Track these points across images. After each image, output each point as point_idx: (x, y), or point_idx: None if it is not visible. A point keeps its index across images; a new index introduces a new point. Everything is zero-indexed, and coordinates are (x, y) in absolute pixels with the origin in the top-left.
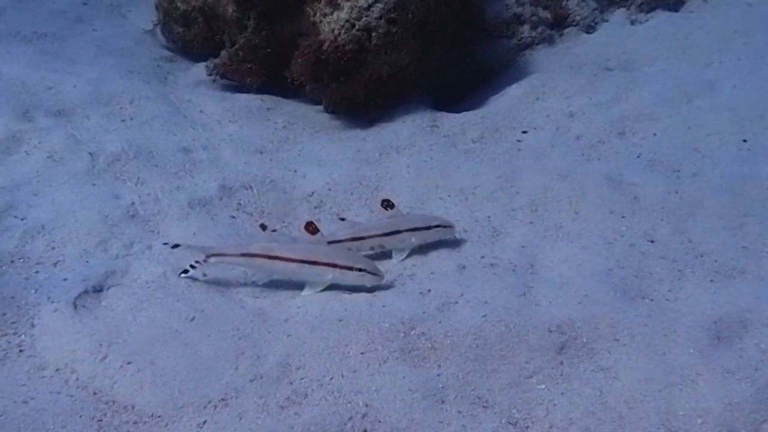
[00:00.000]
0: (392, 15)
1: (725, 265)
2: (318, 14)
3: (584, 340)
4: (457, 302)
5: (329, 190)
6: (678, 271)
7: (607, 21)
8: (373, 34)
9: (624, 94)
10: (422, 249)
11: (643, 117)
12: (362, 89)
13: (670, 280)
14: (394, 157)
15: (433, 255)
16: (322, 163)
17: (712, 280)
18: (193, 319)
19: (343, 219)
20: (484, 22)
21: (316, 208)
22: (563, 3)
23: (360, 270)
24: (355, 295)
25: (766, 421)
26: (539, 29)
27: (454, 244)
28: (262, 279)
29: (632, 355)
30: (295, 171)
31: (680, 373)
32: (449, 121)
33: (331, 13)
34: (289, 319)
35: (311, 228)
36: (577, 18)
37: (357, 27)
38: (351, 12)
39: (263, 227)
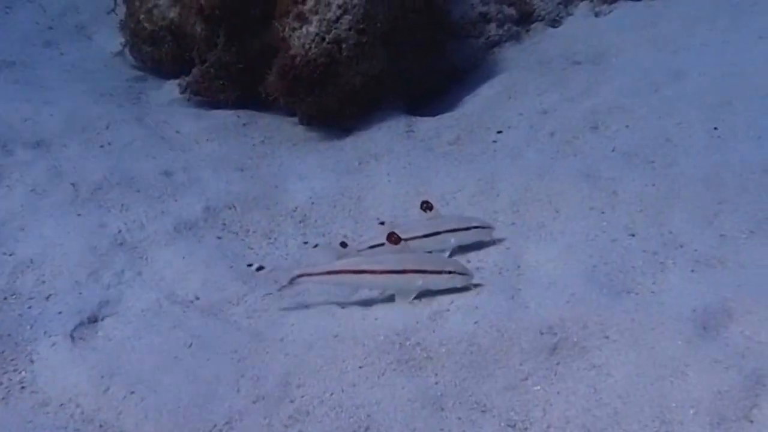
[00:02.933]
0: (361, 26)
1: (705, 255)
2: (287, 29)
3: (575, 339)
4: (448, 309)
5: (312, 203)
6: (660, 263)
7: (571, 14)
8: (344, 45)
9: (594, 88)
10: None
11: (615, 109)
12: (336, 100)
13: (653, 273)
14: (373, 164)
15: None
16: (302, 177)
17: (693, 270)
18: (191, 344)
19: (382, 223)
20: (451, 24)
21: (300, 222)
22: None
23: (450, 272)
24: (347, 309)
25: (755, 407)
26: (506, 26)
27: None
28: (350, 295)
29: (622, 351)
30: (276, 186)
31: (670, 365)
32: (424, 125)
33: (300, 28)
34: (284, 338)
35: (393, 238)
36: (542, 13)
37: (327, 40)
38: (320, 25)
39: (344, 245)
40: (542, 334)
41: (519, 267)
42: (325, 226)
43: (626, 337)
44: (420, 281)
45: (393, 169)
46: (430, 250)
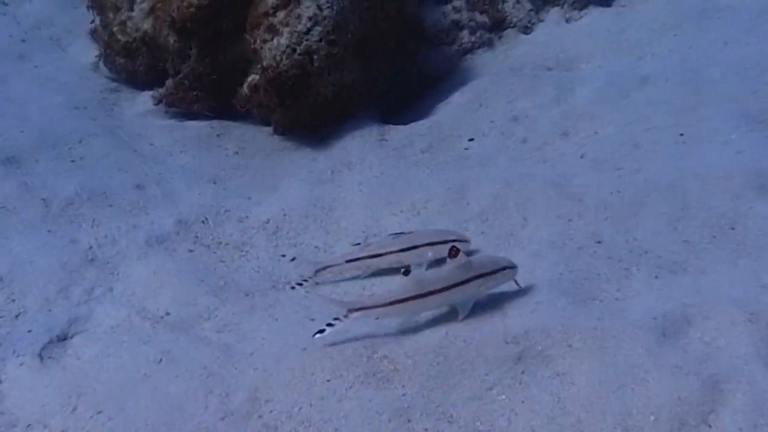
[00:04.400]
0: (332, 37)
1: (668, 261)
2: (258, 41)
3: (539, 348)
4: (416, 321)
5: (284, 215)
6: (624, 270)
7: (543, 21)
8: (315, 57)
9: (564, 94)
10: None
11: (584, 116)
12: (309, 111)
13: (617, 280)
14: (346, 174)
15: (390, 272)
16: (275, 188)
17: (656, 277)
18: (161, 360)
19: (357, 244)
20: (424, 32)
21: (273, 234)
22: (499, 6)
23: (504, 269)
24: (317, 322)
25: (713, 412)
26: (478, 34)
27: None
28: (414, 318)
29: (585, 359)
30: (249, 198)
31: (631, 372)
32: (397, 133)
33: (272, 39)
34: (254, 353)
35: (453, 252)
36: (514, 20)
37: (298, 51)
38: (291, 37)
39: (407, 272)
40: (507, 343)
41: None
42: (296, 238)
43: (589, 345)
44: (482, 286)
45: (365, 178)
46: (408, 264)
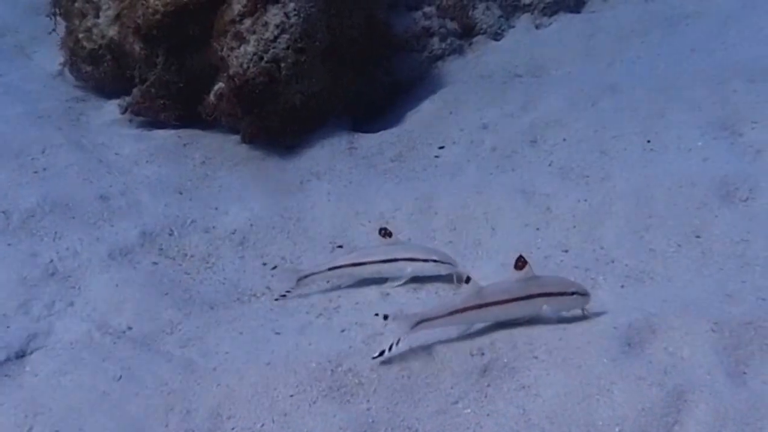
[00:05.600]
0: (299, 44)
1: (635, 269)
2: (225, 49)
3: (505, 360)
4: (382, 333)
5: (251, 225)
6: (591, 279)
7: (513, 27)
8: (282, 64)
9: (533, 101)
10: None
11: (553, 123)
12: (277, 119)
13: None
14: (315, 183)
15: (358, 284)
16: (242, 198)
17: (623, 286)
18: (120, 378)
19: (340, 246)
20: (393, 38)
21: (239, 245)
22: (469, 13)
23: (573, 293)
24: (282, 335)
25: (677, 423)
26: (449, 40)
27: None
28: (467, 329)
29: (550, 371)
30: (216, 208)
31: (596, 383)
32: (367, 141)
33: (238, 47)
34: (217, 368)
35: (521, 263)
36: (485, 26)
37: (265, 59)
38: (257, 45)
39: (467, 280)
40: (472, 355)
41: (456, 288)
42: (263, 249)
43: (554, 356)
44: (544, 305)
45: (334, 188)
46: (386, 277)
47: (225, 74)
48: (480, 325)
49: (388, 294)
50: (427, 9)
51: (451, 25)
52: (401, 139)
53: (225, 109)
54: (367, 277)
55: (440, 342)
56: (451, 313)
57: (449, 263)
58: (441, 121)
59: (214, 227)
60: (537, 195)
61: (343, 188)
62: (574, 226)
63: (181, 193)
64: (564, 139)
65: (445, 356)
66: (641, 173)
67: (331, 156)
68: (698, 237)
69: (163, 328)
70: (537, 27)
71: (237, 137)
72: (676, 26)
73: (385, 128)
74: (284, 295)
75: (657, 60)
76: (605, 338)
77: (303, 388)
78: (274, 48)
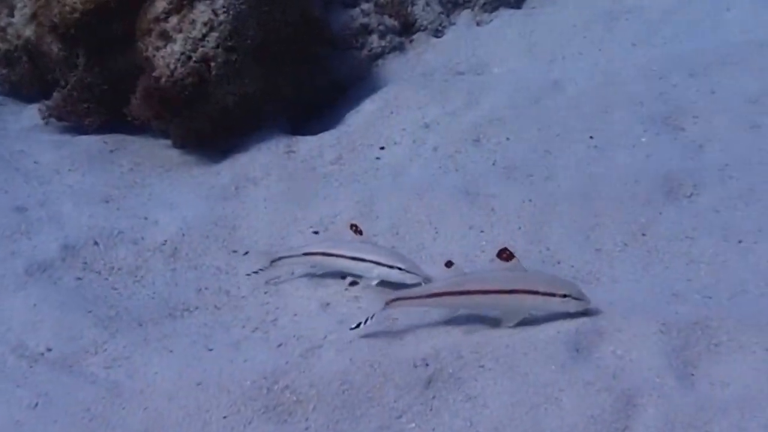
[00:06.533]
0: (230, 43)
1: (581, 271)
2: (150, 48)
3: (450, 370)
4: (321, 346)
5: (183, 235)
6: None
7: (454, 24)
8: (212, 64)
9: (476, 100)
10: (284, 287)
11: (496, 122)
12: (209, 122)
13: None
14: (251, 189)
15: (296, 294)
16: (174, 206)
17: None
18: (37, 405)
19: (316, 232)
20: (331, 36)
21: (171, 257)
22: (409, 9)
23: (564, 296)
24: (216, 352)
25: (627, 429)
26: (388, 38)
27: (317, 280)
28: (449, 315)
29: (497, 380)
30: (146, 218)
31: (544, 391)
32: (305, 144)
33: (164, 47)
34: (144, 390)
35: (505, 255)
36: (425, 23)
37: (194, 59)
38: (185, 44)
39: (449, 264)
40: (416, 366)
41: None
42: (197, 259)
43: (501, 364)
44: (529, 303)
45: (271, 193)
46: (354, 274)
47: (152, 75)
48: (422, 335)
49: (328, 304)
50: (365, 6)
51: (390, 22)
52: (341, 141)
53: (153, 112)
54: (337, 270)
55: (382, 353)
56: (429, 296)
57: (415, 273)
58: (382, 121)
59: (143, 238)
60: (481, 196)
61: (281, 194)
62: (520, 228)
63: (107, 202)
64: (507, 138)
65: (388, 368)
66: (586, 171)
67: (268, 160)
68: (644, 235)
69: (87, 349)
70: (478, 24)
71: (167, 142)
72: (617, 21)
73: (324, 130)
74: (256, 272)
75: (598, 55)
76: (553, 344)
77: (237, 409)
78: (202, 47)
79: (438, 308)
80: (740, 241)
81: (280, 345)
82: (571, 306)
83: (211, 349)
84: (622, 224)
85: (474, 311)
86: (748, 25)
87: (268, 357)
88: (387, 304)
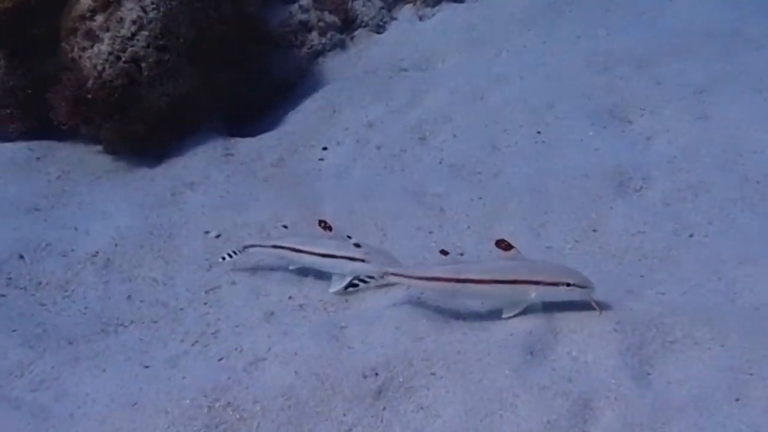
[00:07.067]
0: (161, 42)
1: None
2: (76, 49)
3: (401, 379)
4: (265, 359)
5: (116, 246)
6: None
7: (396, 19)
8: (143, 64)
9: (420, 96)
10: (225, 297)
11: (441, 119)
12: (142, 125)
13: None
14: (188, 195)
15: (238, 304)
16: (106, 215)
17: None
18: None
19: (285, 226)
20: (269, 34)
21: (103, 269)
22: (349, 5)
23: (568, 285)
24: (152, 369)
25: None
26: (329, 35)
27: (259, 288)
28: (447, 301)
29: (450, 388)
30: (76, 228)
31: (498, 398)
32: (245, 146)
33: (91, 47)
34: (74, 413)
35: (504, 244)
36: (366, 19)
37: (123, 59)
38: (113, 43)
39: (444, 253)
40: (365, 377)
41: (345, 300)
42: (131, 271)
43: (453, 372)
44: (533, 293)
45: (209, 199)
46: (326, 271)
47: (78, 78)
48: (371, 342)
49: (272, 313)
50: (303, 2)
51: (330, 18)
52: (282, 143)
53: (81, 117)
54: (308, 266)
55: (330, 364)
56: (428, 278)
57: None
58: (324, 120)
59: (73, 250)
60: (428, 195)
61: (220, 199)
62: (469, 227)
63: (33, 213)
64: (454, 135)
65: (336, 380)
66: (534, 167)
67: (206, 164)
68: (595, 231)
69: (11, 371)
70: (420, 18)
71: (98, 147)
72: (560, 13)
73: (264, 131)
74: (229, 256)
75: (543, 48)
76: (506, 347)
77: (176, 430)
78: (132, 46)
79: (433, 293)
80: (691, 235)
81: (221, 359)
82: (576, 294)
83: (147, 367)
84: (572, 220)
85: (472, 300)
86: (691, 15)
87: (209, 372)
88: (385, 274)
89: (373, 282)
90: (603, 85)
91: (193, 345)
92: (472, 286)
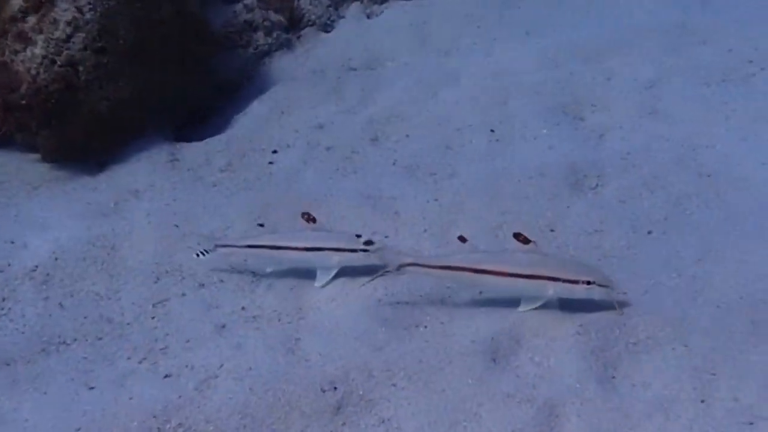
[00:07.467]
0: (99, 44)
1: None
2: (7, 52)
3: (361, 392)
4: (217, 375)
5: (57, 259)
6: (446, 288)
7: (343, 17)
8: (81, 68)
9: (371, 96)
10: (174, 310)
11: (393, 118)
12: (81, 132)
13: (441, 300)
14: (133, 203)
15: (188, 317)
16: (45, 227)
17: (481, 292)
18: None
19: (261, 225)
20: (213, 34)
21: (43, 284)
22: (295, 3)
23: (588, 283)
24: (97, 390)
25: None
26: (275, 34)
27: (210, 299)
28: (465, 290)
29: (412, 399)
30: (12, 242)
31: (462, 407)
32: (191, 151)
33: (24, 50)
34: None
35: (522, 238)
36: (313, 17)
37: (59, 63)
38: (47, 46)
39: (463, 239)
40: (324, 391)
41: (300, 309)
42: (73, 285)
43: (415, 382)
44: (551, 290)
45: (155, 207)
46: (310, 267)
47: (11, 82)
48: (329, 354)
49: (224, 326)
50: (247, 1)
51: (276, 17)
52: (230, 147)
53: (16, 124)
54: (289, 265)
55: (286, 378)
56: (445, 267)
57: (381, 253)
58: (273, 123)
59: (9, 265)
60: (383, 199)
61: (166, 207)
62: (425, 230)
63: None
64: (407, 135)
65: (293, 395)
66: (489, 167)
67: (151, 170)
68: (552, 231)
69: None
70: (368, 16)
71: (36, 156)
72: (509, 9)
73: (211, 135)
74: (202, 254)
75: (493, 45)
76: (468, 355)
77: None
78: (68, 49)
79: (450, 282)
80: (650, 232)
81: (171, 377)
82: (597, 293)
83: (92, 388)
84: (530, 220)
85: (488, 292)
86: (637, 10)
87: (158, 392)
88: (401, 266)
89: (387, 272)
90: (554, 82)
91: (140, 362)
92: (490, 277)
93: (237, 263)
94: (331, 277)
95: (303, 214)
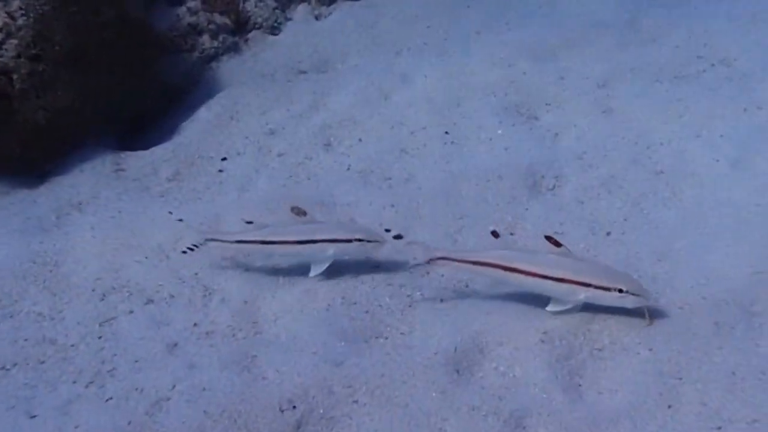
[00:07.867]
0: (33, 51)
1: (452, 279)
2: None
3: (321, 410)
4: (169, 398)
5: None
6: (407, 296)
7: (291, 19)
8: (15, 76)
9: (322, 100)
10: (122, 328)
11: (346, 122)
12: (17, 142)
13: (401, 310)
14: (76, 217)
15: (137, 335)
16: None
17: (442, 301)
18: None
19: (250, 222)
20: (157, 38)
21: None
22: (240, 6)
23: (621, 291)
24: (40, 419)
25: None
26: (221, 38)
27: (160, 315)
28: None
29: (374, 415)
30: None
31: (426, 422)
32: (136, 160)
33: None
34: None
35: (553, 240)
36: (259, 20)
37: None
38: None
39: (496, 234)
40: (282, 411)
41: (256, 323)
42: (12, 306)
43: (377, 397)
44: (582, 295)
45: (99, 220)
46: (303, 261)
47: None
48: (286, 370)
49: (175, 344)
50: (191, 3)
51: (221, 20)
52: (177, 155)
53: None
54: (281, 260)
55: (242, 398)
56: (475, 263)
57: (376, 240)
58: (221, 129)
59: None
60: (338, 206)
61: (111, 219)
62: None
63: None
64: (360, 139)
65: (250, 417)
66: (446, 170)
67: (94, 182)
68: (512, 234)
69: None
70: (317, 18)
71: None
72: (459, 8)
73: (157, 143)
74: (191, 248)
75: (444, 45)
76: (432, 367)
77: None
78: (1, 57)
79: (479, 277)
80: (609, 233)
81: (118, 400)
82: (629, 302)
83: (33, 416)
84: (489, 224)
85: (517, 290)
86: (587, 8)
87: (106, 418)
88: (431, 260)
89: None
90: (507, 81)
91: (87, 387)
92: (521, 276)
93: (227, 257)
94: (324, 267)
95: (293, 208)
